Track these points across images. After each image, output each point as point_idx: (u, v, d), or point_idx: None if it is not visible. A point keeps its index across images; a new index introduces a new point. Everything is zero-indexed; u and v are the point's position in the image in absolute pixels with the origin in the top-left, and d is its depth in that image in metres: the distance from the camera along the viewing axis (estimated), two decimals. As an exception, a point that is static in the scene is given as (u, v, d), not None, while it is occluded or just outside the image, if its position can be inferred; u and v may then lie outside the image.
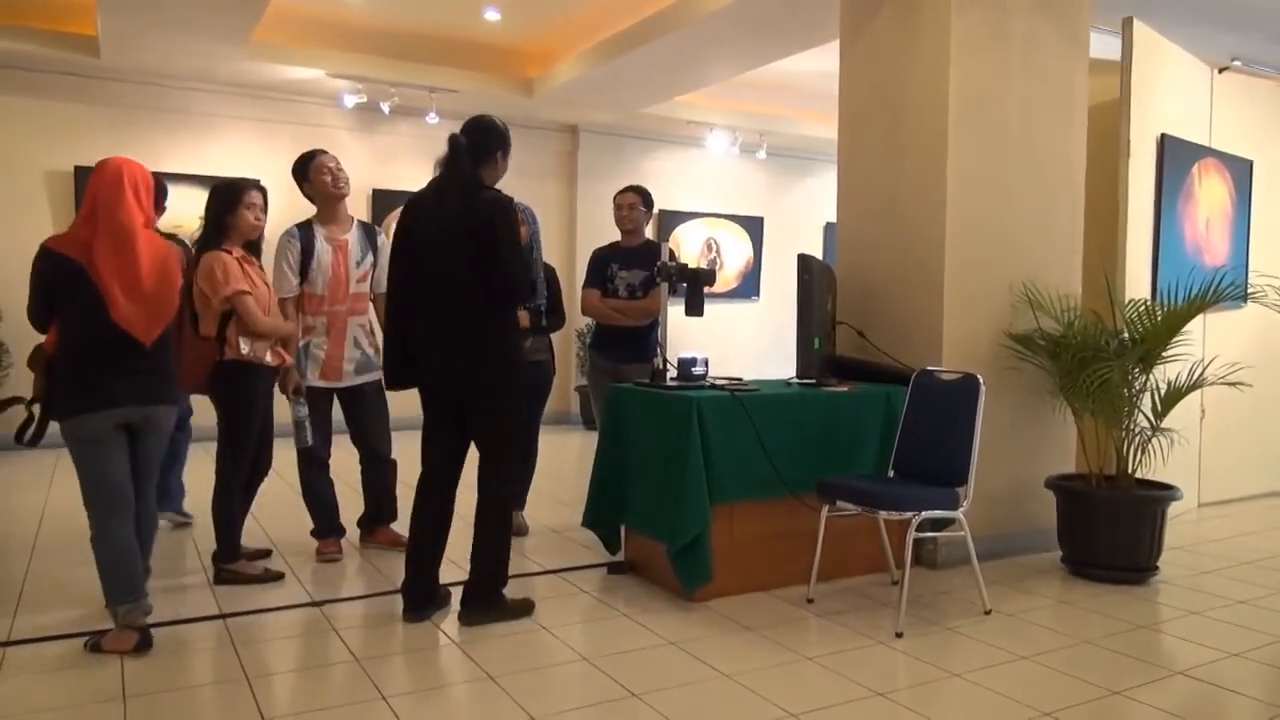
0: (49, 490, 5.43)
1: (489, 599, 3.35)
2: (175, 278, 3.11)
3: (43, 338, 3.07)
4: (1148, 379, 4.09)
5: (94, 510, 3.00)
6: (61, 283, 2.93)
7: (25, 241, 8.05)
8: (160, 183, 5.09)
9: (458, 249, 3.21)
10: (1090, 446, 4.21)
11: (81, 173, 7.08)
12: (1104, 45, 4.79)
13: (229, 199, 3.71)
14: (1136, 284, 4.70)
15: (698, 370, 3.91)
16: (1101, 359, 3.97)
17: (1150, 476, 4.14)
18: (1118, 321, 4.20)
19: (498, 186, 3.39)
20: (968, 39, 4.15)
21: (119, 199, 2.97)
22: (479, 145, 3.31)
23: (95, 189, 2.97)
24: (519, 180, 8.38)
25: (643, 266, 4.52)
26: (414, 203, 3.37)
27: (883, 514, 3.46)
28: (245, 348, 3.66)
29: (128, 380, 2.98)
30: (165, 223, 4.75)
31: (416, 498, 3.40)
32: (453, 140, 3.29)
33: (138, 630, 3.01)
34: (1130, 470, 4.09)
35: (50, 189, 7.10)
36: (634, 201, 4.67)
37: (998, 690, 2.82)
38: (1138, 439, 4.07)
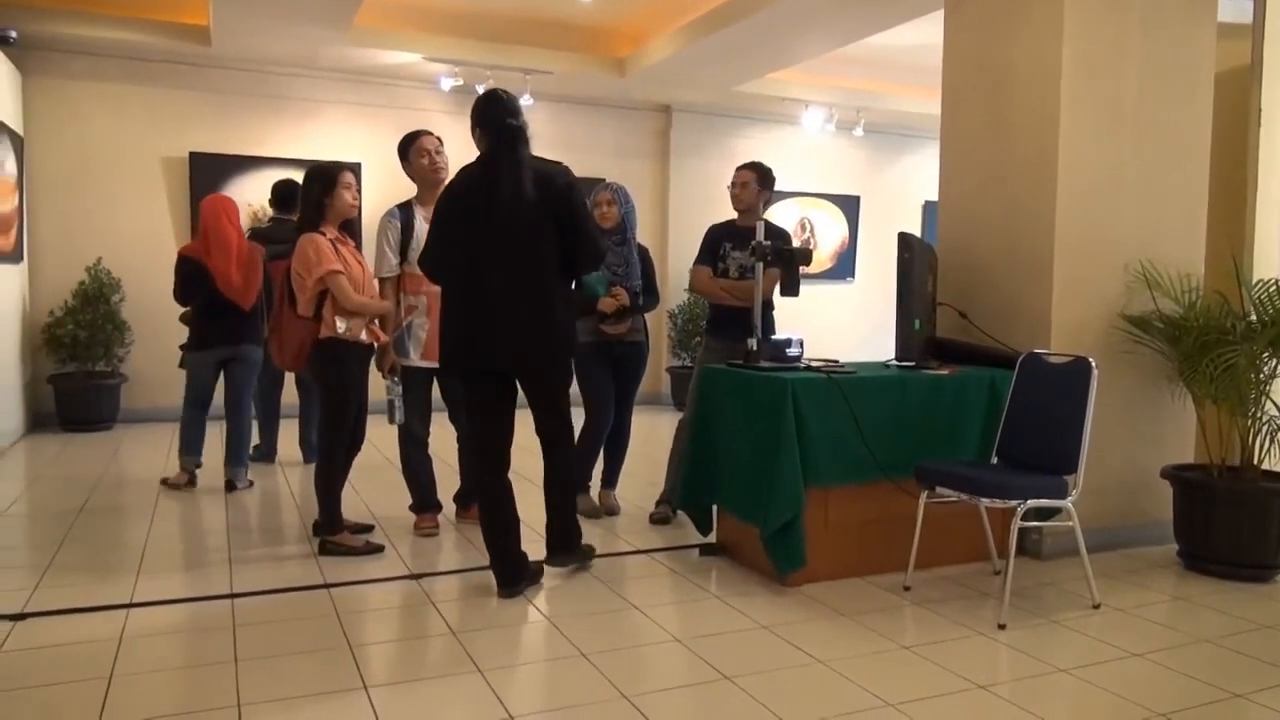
0: (167, 458, 5.72)
1: (569, 546, 3.59)
2: (257, 267, 5.00)
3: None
4: (1278, 365, 3.84)
5: (185, 402, 5.13)
6: (194, 274, 4.87)
7: (147, 226, 8.38)
8: (291, 189, 5.70)
9: (526, 223, 3.28)
10: (1212, 435, 3.98)
11: (195, 158, 7.39)
12: (1234, 8, 4.48)
13: (327, 182, 3.84)
14: (1267, 263, 4.41)
15: (792, 351, 3.84)
16: (1226, 343, 3.74)
17: (1278, 469, 3.89)
18: (1245, 303, 3.94)
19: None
20: (1082, 4, 3.94)
21: (219, 224, 4.90)
22: (525, 126, 3.43)
23: (204, 219, 4.94)
24: (613, 160, 8.51)
25: None
26: (466, 182, 3.39)
27: (985, 501, 3.33)
28: (341, 325, 3.77)
29: (226, 330, 5.00)
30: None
31: (482, 476, 3.49)
32: (511, 126, 3.36)
33: (188, 472, 5.07)
34: (1256, 461, 3.86)
35: (168, 174, 7.42)
36: (746, 180, 4.51)
37: (1108, 688, 2.70)
38: (1265, 428, 3.82)
